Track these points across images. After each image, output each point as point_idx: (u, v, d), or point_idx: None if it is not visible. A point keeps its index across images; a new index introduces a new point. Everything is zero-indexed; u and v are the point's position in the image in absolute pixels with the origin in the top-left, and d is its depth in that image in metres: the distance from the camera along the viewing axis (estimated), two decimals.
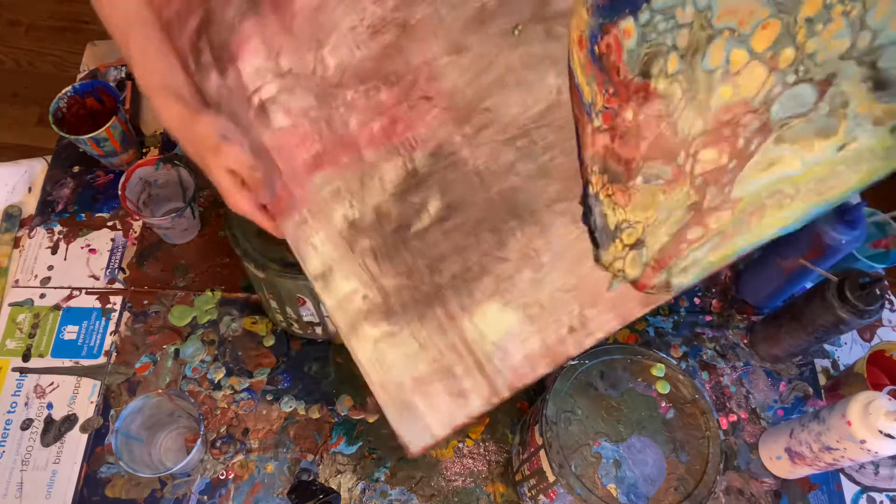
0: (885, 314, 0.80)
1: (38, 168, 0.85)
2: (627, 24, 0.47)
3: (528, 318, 0.51)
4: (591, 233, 0.50)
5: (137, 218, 0.77)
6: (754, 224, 0.45)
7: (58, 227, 0.80)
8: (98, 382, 0.71)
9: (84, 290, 0.76)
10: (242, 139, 0.53)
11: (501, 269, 0.51)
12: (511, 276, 0.51)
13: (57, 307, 0.75)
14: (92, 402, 0.70)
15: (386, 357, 0.52)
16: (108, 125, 0.75)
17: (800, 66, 0.42)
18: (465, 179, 0.52)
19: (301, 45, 0.54)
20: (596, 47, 0.48)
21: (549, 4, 0.52)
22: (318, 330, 0.71)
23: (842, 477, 0.71)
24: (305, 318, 0.68)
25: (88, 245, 0.79)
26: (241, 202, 0.52)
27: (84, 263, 0.78)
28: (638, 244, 0.49)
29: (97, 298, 0.76)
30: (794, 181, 0.44)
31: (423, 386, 0.51)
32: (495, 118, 0.52)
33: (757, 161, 0.44)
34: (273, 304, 0.67)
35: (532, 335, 0.51)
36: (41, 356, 0.72)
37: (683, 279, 0.48)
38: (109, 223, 0.81)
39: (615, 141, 0.49)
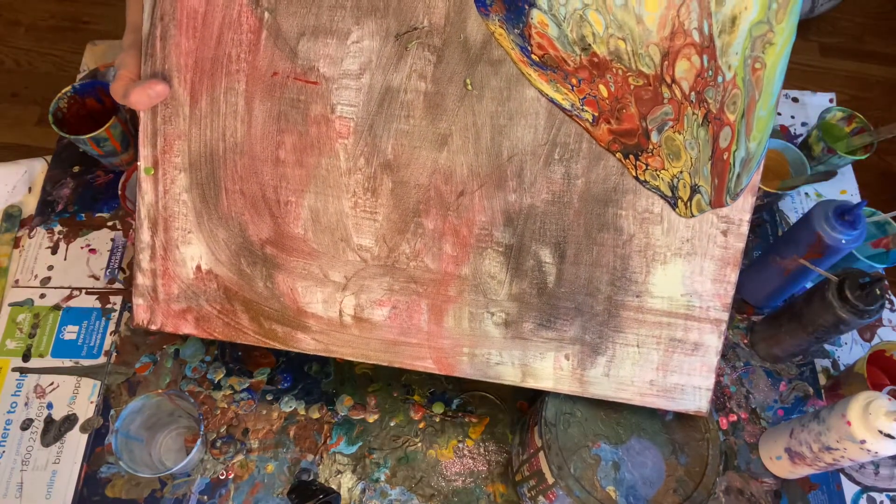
0: (885, 314, 0.80)
1: (38, 168, 0.85)
2: (537, 16, 0.50)
3: (686, 256, 0.55)
4: (665, 199, 0.54)
5: None
6: (763, 76, 0.49)
7: (58, 227, 0.80)
8: (98, 382, 0.71)
9: (84, 290, 0.76)
10: (133, 75, 0.53)
11: (635, 244, 0.55)
12: (648, 244, 0.55)
13: (57, 307, 0.75)
14: (92, 402, 0.70)
15: (622, 377, 0.57)
16: (108, 125, 0.75)
17: None
18: (547, 217, 0.55)
19: (335, 254, 0.56)
20: (532, 55, 0.51)
21: (469, 45, 0.52)
22: None
23: (842, 477, 0.71)
24: None
25: (88, 245, 0.79)
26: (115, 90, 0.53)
27: (84, 263, 0.78)
28: (694, 191, 0.53)
29: (97, 298, 0.76)
30: (760, 19, 0.47)
31: (667, 366, 0.57)
32: (522, 157, 0.54)
33: (719, 35, 0.48)
34: None
35: (702, 263, 0.55)
36: (41, 356, 0.72)
37: (744, 181, 0.52)
38: (109, 223, 0.81)
39: (612, 122, 0.52)
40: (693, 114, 0.51)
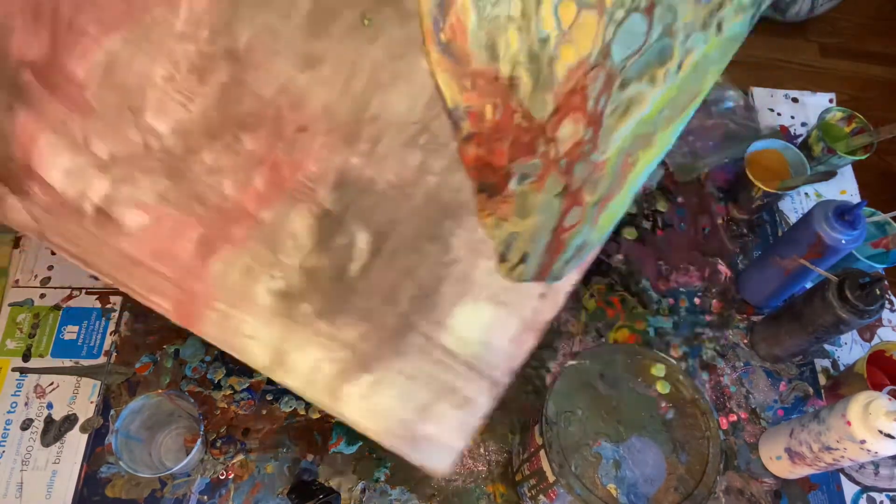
0: (885, 314, 0.80)
1: None
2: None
3: (499, 304, 0.49)
4: (495, 251, 0.49)
5: None
6: (630, 173, 0.47)
7: None
8: (98, 382, 0.71)
9: (84, 290, 0.76)
10: None
11: (456, 270, 0.49)
12: (468, 274, 0.49)
13: (57, 307, 0.75)
14: (92, 402, 0.70)
15: (378, 405, 0.50)
16: None
17: None
18: (382, 200, 0.47)
19: (113, 121, 0.44)
20: (441, 34, 0.44)
21: None
22: None
23: (842, 477, 0.71)
24: None
25: None
26: None
27: None
28: (522, 259, 0.49)
29: (97, 298, 0.76)
30: (649, 119, 0.46)
31: (427, 412, 0.50)
32: (386, 123, 0.46)
33: (610, 115, 0.46)
34: None
35: (508, 318, 0.50)
36: (41, 356, 0.72)
37: (571, 268, 0.50)
38: None
39: (482, 149, 0.46)
40: (556, 181, 0.47)
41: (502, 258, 0.48)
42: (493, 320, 0.49)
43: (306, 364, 0.49)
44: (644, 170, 0.48)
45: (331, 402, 0.50)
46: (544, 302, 0.50)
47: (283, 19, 0.43)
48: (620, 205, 0.48)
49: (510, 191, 0.47)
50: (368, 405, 0.50)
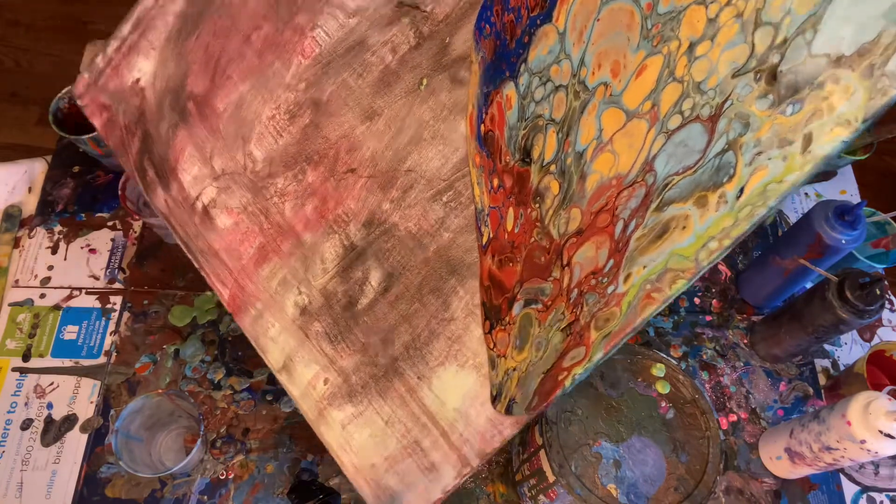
0: (885, 314, 0.80)
1: (38, 168, 0.85)
2: (509, 90, 0.46)
3: (482, 377, 0.50)
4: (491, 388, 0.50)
5: (137, 218, 0.77)
6: (646, 311, 0.40)
7: (58, 227, 0.80)
8: (98, 382, 0.71)
9: (84, 290, 0.76)
10: None
11: (450, 330, 0.51)
12: (460, 336, 0.51)
13: (57, 307, 0.75)
14: (92, 402, 0.70)
15: (354, 439, 0.53)
16: None
17: (684, 102, 0.36)
18: (400, 245, 0.53)
19: (230, 145, 0.56)
20: (482, 126, 0.48)
21: (447, 52, 0.52)
22: None
23: (842, 477, 0.71)
24: None
25: (88, 245, 0.79)
26: None
27: (84, 263, 0.78)
28: (509, 407, 0.48)
29: (97, 298, 0.76)
30: (689, 252, 0.37)
31: (395, 464, 0.52)
32: (418, 176, 0.52)
33: (638, 239, 0.39)
34: None
35: (498, 387, 0.50)
36: (41, 356, 0.72)
37: (568, 398, 0.51)
38: (109, 223, 0.81)
39: (496, 260, 0.48)
40: (562, 313, 0.44)
41: (497, 396, 0.49)
42: (474, 391, 0.50)
43: (306, 377, 0.55)
44: (661, 306, 0.39)
45: (317, 420, 0.55)
46: None
47: (358, 78, 0.53)
48: (622, 341, 0.41)
49: (512, 316, 0.48)
50: (346, 436, 0.53)
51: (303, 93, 0.54)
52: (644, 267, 0.39)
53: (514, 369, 0.47)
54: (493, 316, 0.49)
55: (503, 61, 0.47)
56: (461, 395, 0.50)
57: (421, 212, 0.52)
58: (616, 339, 0.41)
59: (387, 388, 0.52)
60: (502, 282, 0.48)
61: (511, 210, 0.47)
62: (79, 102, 0.60)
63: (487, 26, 0.48)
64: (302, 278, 0.55)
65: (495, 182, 0.48)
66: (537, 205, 0.46)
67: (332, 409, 0.54)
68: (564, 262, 0.44)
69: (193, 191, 0.57)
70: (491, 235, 0.49)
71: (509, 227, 0.47)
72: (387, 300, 0.53)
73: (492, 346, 0.49)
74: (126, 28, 0.57)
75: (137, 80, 0.57)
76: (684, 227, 0.38)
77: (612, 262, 0.41)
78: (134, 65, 0.57)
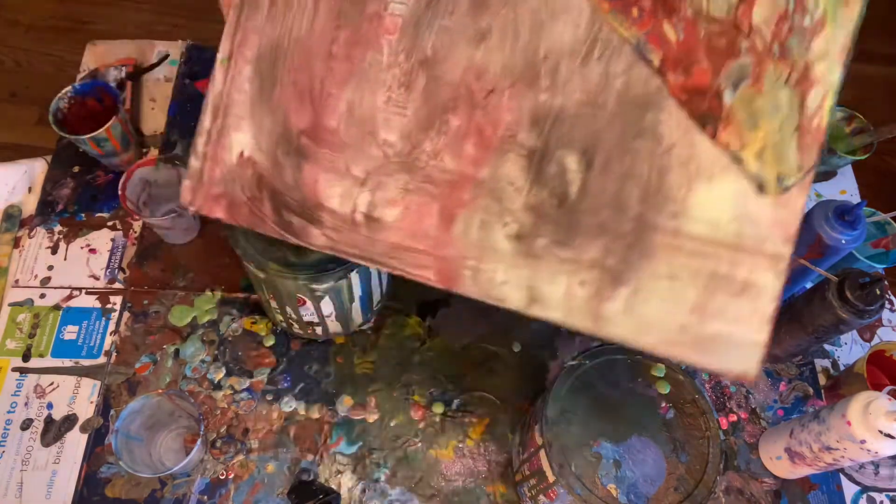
0: (885, 314, 0.80)
1: (38, 168, 0.85)
2: None
3: (739, 176, 0.47)
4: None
5: (137, 218, 0.77)
6: (855, 7, 0.44)
7: (58, 227, 0.80)
8: (98, 382, 0.71)
9: (84, 290, 0.76)
10: None
11: (677, 155, 0.48)
12: (691, 155, 0.48)
13: (57, 307, 0.75)
14: (92, 402, 0.70)
15: (646, 316, 0.49)
16: (108, 125, 0.75)
17: None
18: (577, 119, 0.50)
19: (360, 147, 0.54)
20: None
21: None
22: (319, 330, 0.71)
23: (842, 477, 0.71)
24: (305, 319, 0.68)
25: (88, 245, 0.79)
26: None
27: (84, 263, 0.78)
28: (780, 182, 0.46)
29: (97, 298, 0.76)
30: None
31: (705, 310, 0.48)
32: (559, 55, 0.50)
33: None
34: (273, 304, 0.67)
35: (756, 176, 0.47)
36: (41, 356, 0.72)
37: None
38: (109, 223, 0.81)
39: (680, 73, 0.47)
40: (776, 71, 0.45)
41: (760, 189, 0.46)
42: (741, 191, 0.47)
43: (559, 293, 0.51)
44: None
45: (595, 325, 0.50)
46: (804, 136, 0.47)
47: (450, 16, 0.52)
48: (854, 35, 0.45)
49: (728, 107, 0.46)
50: (635, 319, 0.49)
51: (406, 62, 0.53)
52: None
53: (763, 149, 0.46)
54: (710, 121, 0.47)
55: None
56: (730, 204, 0.47)
57: (580, 80, 0.50)
58: (843, 50, 0.44)
59: (649, 248, 0.49)
60: (698, 86, 0.47)
61: (665, 24, 0.47)
62: (191, 210, 0.58)
63: None
64: (499, 210, 0.52)
65: (634, 12, 0.48)
66: (686, 2, 0.46)
67: (606, 303, 0.49)
68: (747, 31, 0.45)
69: (346, 208, 0.55)
70: (662, 56, 0.47)
71: (673, 39, 0.47)
72: (595, 173, 0.50)
73: (727, 145, 0.47)
74: (207, 120, 0.57)
75: (241, 154, 0.56)
76: None
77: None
78: (230, 144, 0.57)
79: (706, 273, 0.48)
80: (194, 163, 0.57)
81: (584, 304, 0.50)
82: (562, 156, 0.51)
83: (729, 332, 0.47)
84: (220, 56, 0.57)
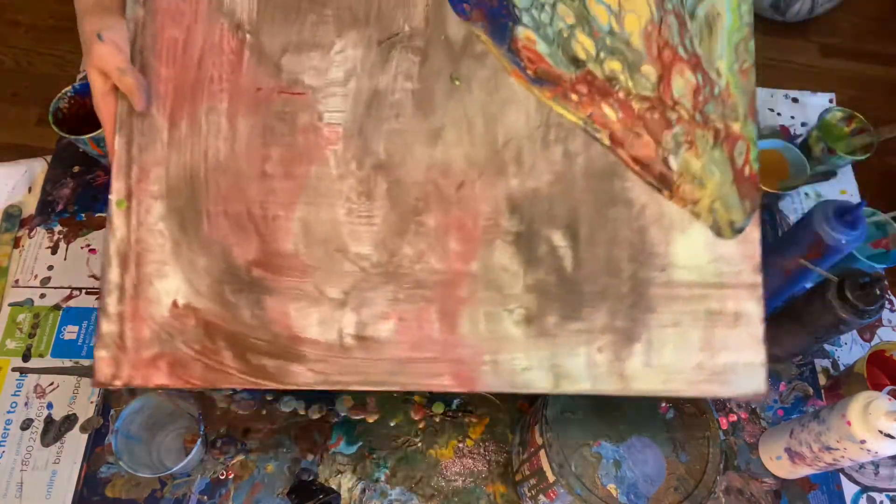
0: (885, 314, 0.80)
1: (38, 168, 0.85)
2: (524, 32, 0.52)
3: (704, 225, 0.53)
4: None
5: None
6: (748, 83, 0.53)
7: (58, 227, 0.80)
8: None
9: (84, 290, 0.76)
10: (121, 43, 0.50)
11: (650, 215, 0.53)
12: (661, 212, 0.53)
13: (57, 307, 0.75)
14: (92, 402, 0.70)
15: (664, 364, 0.52)
16: None
17: None
18: (553, 198, 0.53)
19: (331, 266, 0.52)
20: (528, 71, 0.53)
21: (452, 44, 0.53)
22: None
23: (842, 477, 0.71)
24: None
25: (88, 245, 0.79)
26: (101, 106, 0.50)
27: (84, 263, 0.78)
28: (732, 227, 0.53)
29: (97, 298, 0.75)
30: (734, 26, 0.52)
31: (710, 345, 0.52)
32: (518, 140, 0.53)
33: (700, 45, 0.52)
34: None
35: (714, 226, 0.53)
36: (41, 356, 0.72)
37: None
38: None
39: (628, 146, 0.53)
40: (704, 135, 0.52)
41: (719, 235, 0.52)
42: (709, 238, 0.53)
43: (582, 364, 0.52)
44: (752, 62, 0.53)
45: (623, 385, 0.52)
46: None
47: (397, 119, 0.53)
48: (753, 99, 0.53)
49: (676, 170, 0.52)
50: (656, 370, 0.52)
51: (359, 170, 0.52)
52: (721, 57, 0.52)
53: (712, 202, 0.52)
54: (665, 184, 0.52)
55: (499, 17, 0.52)
56: (705, 249, 0.53)
57: (545, 163, 0.53)
58: (750, 109, 0.52)
59: (649, 303, 0.52)
60: (644, 156, 0.52)
61: (604, 105, 0.52)
62: (117, 385, 0.51)
63: (466, 4, 0.53)
64: (502, 298, 0.52)
65: (574, 97, 0.52)
66: (616, 86, 0.52)
67: (626, 363, 0.52)
68: (671, 104, 0.52)
69: (331, 335, 0.51)
70: (609, 134, 0.52)
71: (614, 118, 0.52)
72: (584, 244, 0.53)
73: (683, 204, 0.52)
74: (113, 273, 0.50)
75: (175, 303, 0.51)
76: (718, 14, 0.51)
77: (699, 74, 0.52)
78: (156, 296, 0.51)
79: (703, 313, 0.52)
80: (108, 327, 0.50)
81: (608, 369, 0.52)
82: (548, 234, 0.53)
83: (735, 360, 0.52)
84: (113, 198, 0.51)
